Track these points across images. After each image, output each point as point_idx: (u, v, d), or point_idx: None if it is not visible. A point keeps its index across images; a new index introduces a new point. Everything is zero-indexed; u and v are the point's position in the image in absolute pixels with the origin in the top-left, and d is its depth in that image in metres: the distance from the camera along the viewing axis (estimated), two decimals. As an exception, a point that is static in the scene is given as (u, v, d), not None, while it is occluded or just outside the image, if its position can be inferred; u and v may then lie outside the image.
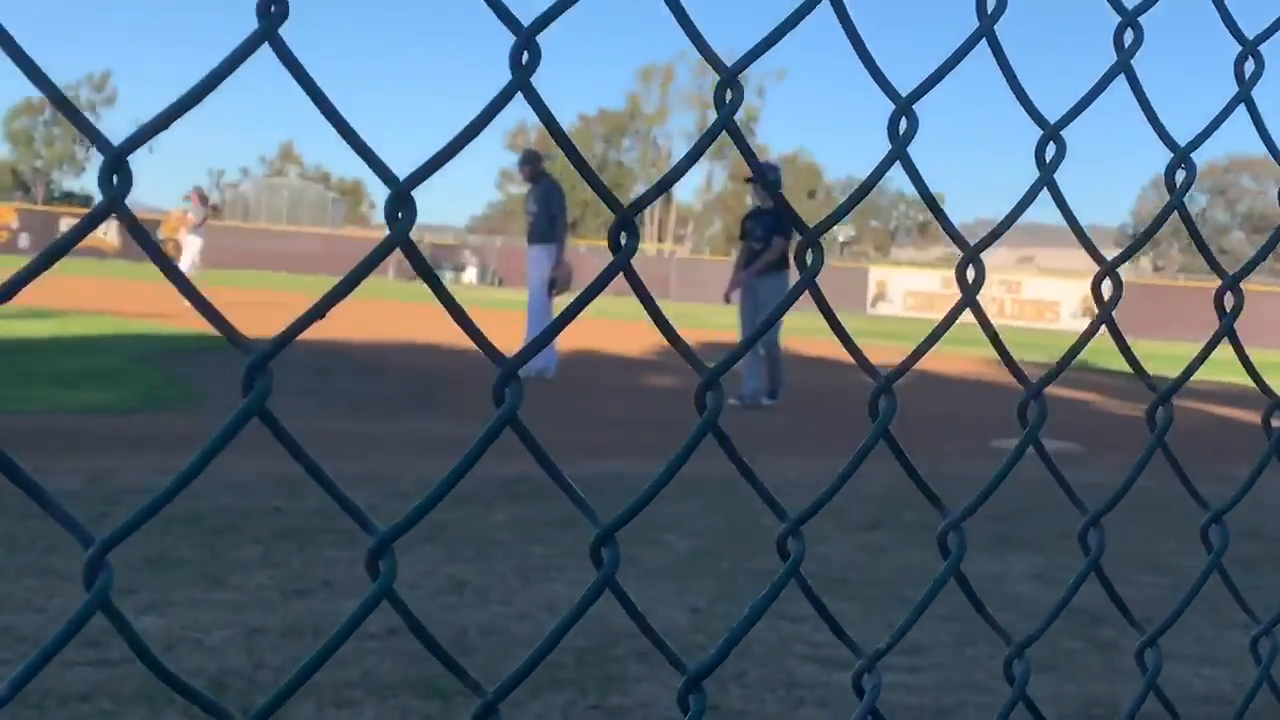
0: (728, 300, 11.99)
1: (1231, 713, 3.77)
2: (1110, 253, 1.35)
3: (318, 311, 0.88)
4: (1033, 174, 1.26)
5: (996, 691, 3.56)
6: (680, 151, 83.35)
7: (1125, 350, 1.41)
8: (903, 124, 1.17)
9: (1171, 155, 1.35)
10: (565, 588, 4.32)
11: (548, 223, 12.64)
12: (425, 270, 0.93)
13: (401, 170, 0.90)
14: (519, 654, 3.60)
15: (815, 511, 1.15)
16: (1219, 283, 1.41)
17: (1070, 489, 1.39)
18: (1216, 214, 75.97)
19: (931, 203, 1.23)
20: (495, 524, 5.26)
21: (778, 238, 11.47)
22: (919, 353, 1.19)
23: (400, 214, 0.90)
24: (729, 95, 1.03)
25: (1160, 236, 69.44)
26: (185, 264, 21.60)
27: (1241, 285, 1.43)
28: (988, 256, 1.29)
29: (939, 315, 1.22)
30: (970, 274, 1.23)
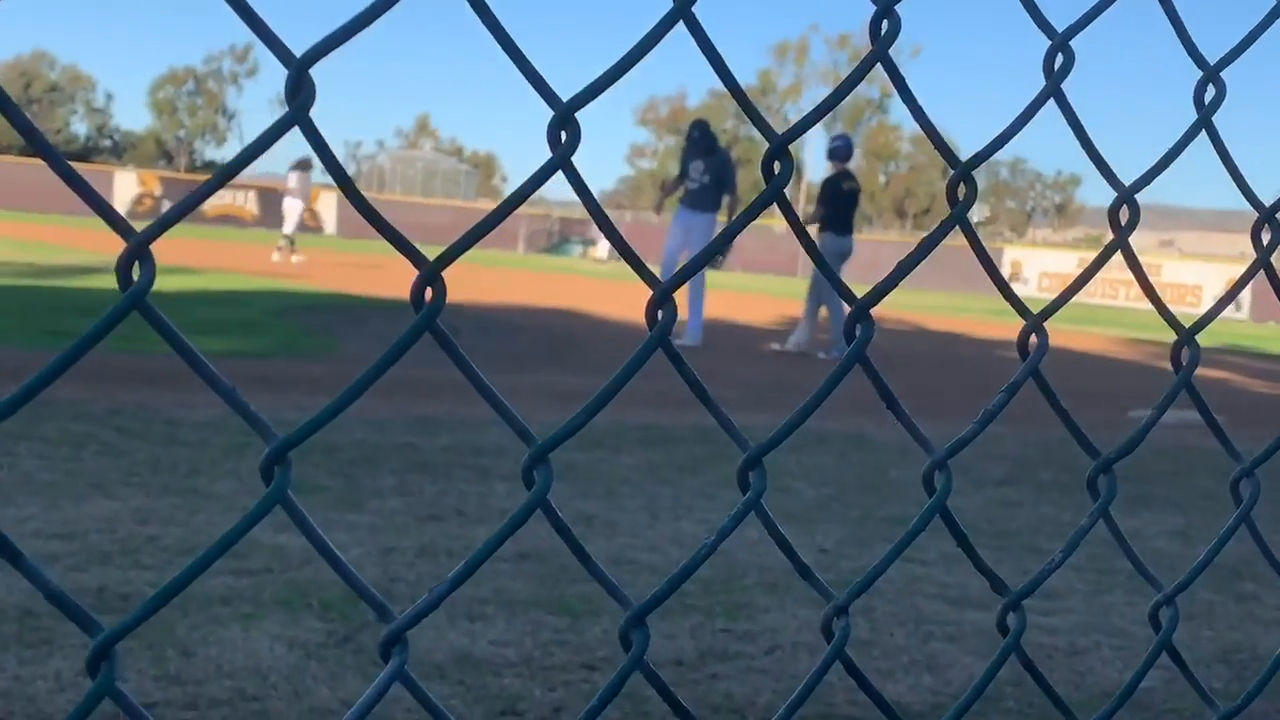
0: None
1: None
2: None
3: (489, 224, 0.85)
4: (1176, 130, 1.21)
5: (1130, 635, 3.50)
6: (813, 130, 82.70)
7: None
8: (1059, 62, 1.13)
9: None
10: (692, 525, 4.34)
11: (719, 192, 12.84)
12: (585, 192, 0.90)
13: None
14: (647, 580, 3.63)
15: (963, 446, 1.12)
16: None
17: (1228, 440, 1.34)
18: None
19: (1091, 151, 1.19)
20: (624, 466, 5.28)
21: (820, 206, 13.02)
22: (1071, 292, 1.17)
23: (564, 135, 0.87)
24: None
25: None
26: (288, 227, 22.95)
27: None
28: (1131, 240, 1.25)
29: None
30: (1124, 215, 1.19)
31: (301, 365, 8.15)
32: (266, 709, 2.53)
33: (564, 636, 3.08)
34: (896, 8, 1.00)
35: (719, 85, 0.84)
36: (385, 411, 5.88)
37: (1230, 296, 1.25)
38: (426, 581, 3.45)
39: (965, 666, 3.15)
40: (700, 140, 13.17)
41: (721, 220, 12.91)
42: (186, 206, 0.75)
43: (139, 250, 0.75)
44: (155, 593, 0.80)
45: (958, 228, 1.12)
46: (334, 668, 2.76)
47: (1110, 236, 1.24)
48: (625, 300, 17.65)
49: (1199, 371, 1.31)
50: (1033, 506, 5.24)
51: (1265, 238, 1.29)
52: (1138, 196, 1.20)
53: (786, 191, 0.97)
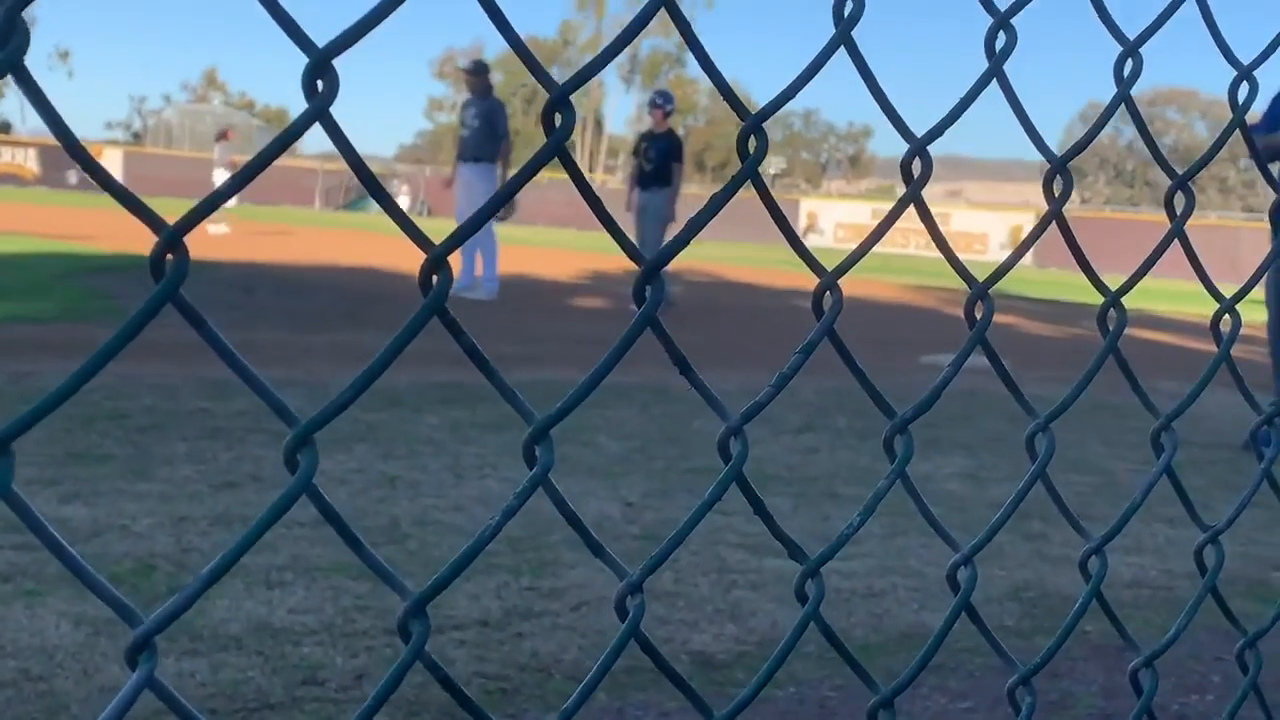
0: (628, 210, 12.99)
1: (1156, 598, 3.82)
2: (1037, 186, 1.31)
3: (234, 185, 0.77)
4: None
5: (925, 576, 3.59)
6: (613, 81, 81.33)
7: (1074, 247, 1.37)
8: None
9: (1121, 49, 1.31)
10: (498, 484, 4.30)
11: (489, 140, 12.32)
12: (350, 154, 0.82)
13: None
14: (452, 541, 3.59)
15: (758, 411, 1.09)
16: (1143, 216, 1.37)
17: (1020, 393, 1.35)
18: (1143, 147, 76.62)
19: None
20: (427, 426, 5.21)
21: (676, 164, 12.99)
22: (865, 248, 1.16)
23: (320, 84, 0.78)
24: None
25: (1087, 169, 70.30)
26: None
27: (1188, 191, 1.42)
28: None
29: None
30: (917, 166, 1.18)
31: (85, 329, 7.82)
32: (54, 689, 2.42)
33: (365, 602, 3.02)
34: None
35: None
36: (176, 376, 5.69)
37: (1024, 248, 1.26)
38: (221, 553, 3.35)
39: (768, 614, 3.19)
40: (473, 82, 12.76)
41: (500, 169, 12.39)
42: None
43: None
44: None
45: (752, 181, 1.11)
46: (124, 644, 2.65)
47: (902, 189, 1.23)
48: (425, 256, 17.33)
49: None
50: (830, 452, 5.34)
51: (1057, 188, 1.30)
52: (929, 148, 1.20)
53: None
